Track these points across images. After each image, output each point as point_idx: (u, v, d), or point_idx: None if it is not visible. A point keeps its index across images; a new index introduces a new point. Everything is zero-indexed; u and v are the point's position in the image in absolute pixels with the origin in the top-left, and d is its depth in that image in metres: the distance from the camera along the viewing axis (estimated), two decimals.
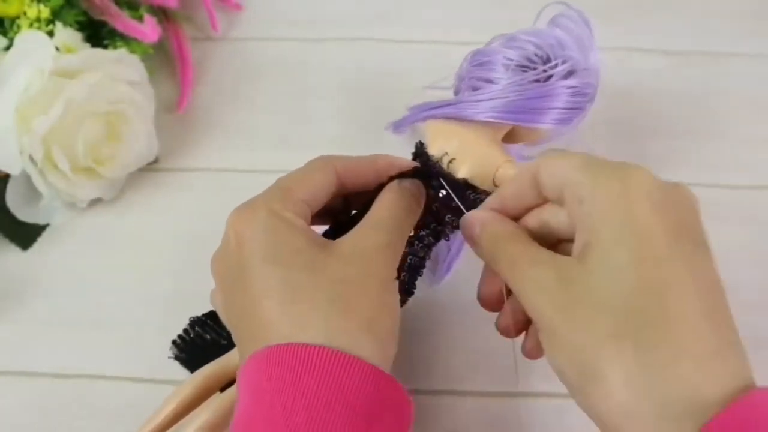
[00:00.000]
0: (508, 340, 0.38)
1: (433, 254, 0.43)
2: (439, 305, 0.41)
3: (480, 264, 0.43)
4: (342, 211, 0.35)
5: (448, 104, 0.38)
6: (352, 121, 0.49)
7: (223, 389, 0.34)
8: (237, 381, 0.29)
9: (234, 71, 0.53)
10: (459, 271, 0.42)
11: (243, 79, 0.52)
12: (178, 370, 0.39)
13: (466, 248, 0.43)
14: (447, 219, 0.36)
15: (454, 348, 0.40)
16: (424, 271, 0.41)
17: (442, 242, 0.42)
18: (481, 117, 0.36)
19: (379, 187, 0.33)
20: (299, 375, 0.25)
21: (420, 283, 0.41)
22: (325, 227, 0.36)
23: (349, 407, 0.25)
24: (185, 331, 0.40)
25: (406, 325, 0.40)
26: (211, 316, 0.40)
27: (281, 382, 0.25)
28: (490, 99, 0.37)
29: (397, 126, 0.44)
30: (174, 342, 0.39)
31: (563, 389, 0.38)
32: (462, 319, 0.41)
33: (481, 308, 0.41)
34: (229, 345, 0.36)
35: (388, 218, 0.31)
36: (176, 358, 0.39)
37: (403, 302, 0.34)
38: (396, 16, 0.55)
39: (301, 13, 0.56)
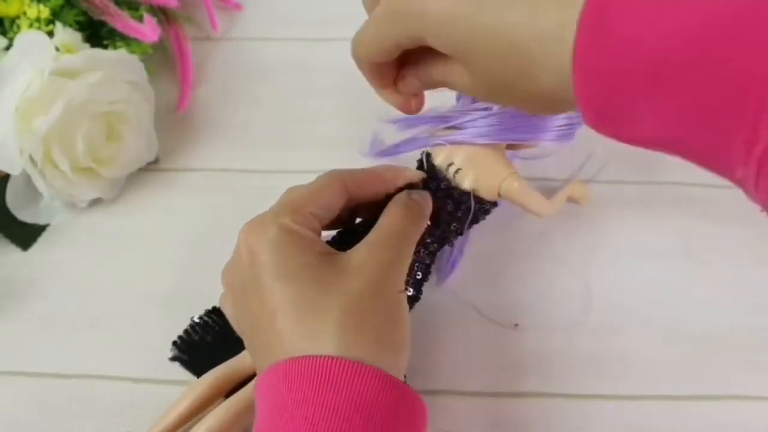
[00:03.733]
0: (508, 340, 0.38)
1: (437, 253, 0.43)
2: (438, 305, 0.41)
3: (479, 264, 0.43)
4: (348, 218, 0.36)
5: (444, 125, 0.38)
6: (352, 121, 0.49)
7: (227, 395, 0.34)
8: (255, 391, 0.29)
9: (234, 71, 0.53)
10: (459, 272, 0.42)
11: (243, 79, 0.52)
12: (179, 370, 0.39)
13: (469, 247, 0.43)
14: (452, 227, 0.36)
15: (454, 348, 0.40)
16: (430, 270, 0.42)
17: None
18: (480, 141, 0.36)
19: (388, 197, 0.34)
20: (318, 387, 0.26)
21: (431, 274, 0.41)
22: (332, 233, 0.36)
23: (367, 416, 0.26)
24: (186, 332, 0.40)
25: None
26: (212, 313, 0.40)
27: (301, 394, 0.26)
28: (486, 119, 0.37)
29: (390, 154, 0.43)
30: (174, 343, 0.39)
31: (563, 389, 0.38)
32: (462, 319, 0.41)
33: (481, 308, 0.41)
34: (230, 345, 0.36)
35: (396, 233, 0.32)
36: (176, 359, 0.39)
37: (409, 308, 0.34)
38: None
39: (301, 13, 0.56)
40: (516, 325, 0.41)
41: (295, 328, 0.28)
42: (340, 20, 0.55)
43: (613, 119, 0.25)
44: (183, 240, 0.44)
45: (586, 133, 0.48)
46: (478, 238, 0.44)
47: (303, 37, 0.54)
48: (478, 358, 0.40)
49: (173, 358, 0.39)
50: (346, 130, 0.48)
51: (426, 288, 0.41)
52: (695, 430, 0.37)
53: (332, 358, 0.27)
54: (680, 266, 0.43)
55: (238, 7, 0.56)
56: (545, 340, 0.40)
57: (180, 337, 0.40)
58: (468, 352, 0.40)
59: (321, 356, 0.27)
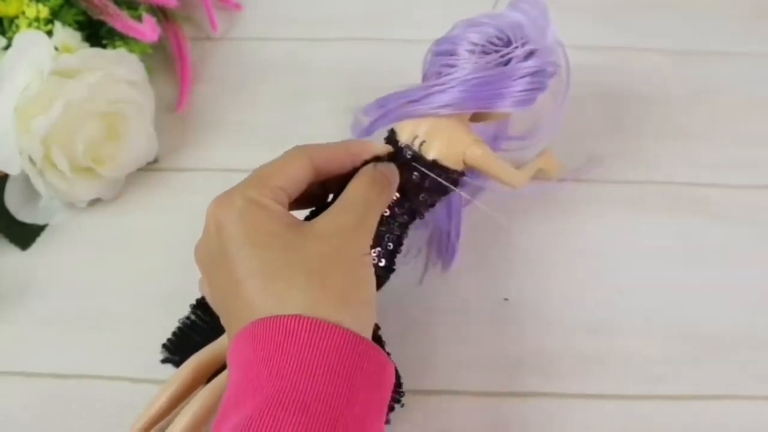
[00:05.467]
0: (507, 340, 0.38)
1: (434, 242, 0.43)
2: (438, 305, 0.41)
3: (478, 264, 0.43)
4: (321, 196, 0.36)
5: (409, 99, 0.39)
6: (351, 121, 0.49)
7: (208, 380, 0.34)
8: (227, 359, 0.30)
9: (233, 71, 0.53)
10: (458, 272, 0.42)
11: (243, 79, 0.52)
12: None
13: (468, 246, 0.43)
14: (420, 198, 0.37)
15: (454, 348, 0.40)
16: (433, 260, 0.43)
17: (442, 228, 0.43)
18: (443, 112, 0.37)
19: (356, 171, 0.34)
20: (282, 344, 0.27)
21: (431, 273, 0.41)
22: (306, 212, 0.37)
23: (331, 370, 0.27)
24: (174, 333, 0.40)
25: (405, 325, 0.40)
26: (197, 309, 0.40)
27: (266, 352, 0.27)
28: (450, 89, 0.37)
29: (367, 132, 0.44)
30: (164, 345, 0.39)
31: (563, 389, 0.38)
32: (461, 318, 0.41)
33: (480, 308, 0.41)
34: (218, 338, 0.36)
35: (359, 199, 0.33)
36: (168, 360, 0.39)
37: (384, 280, 0.35)
38: (396, 16, 0.55)
39: (301, 13, 0.56)
40: (505, 299, 0.41)
41: (261, 292, 0.29)
42: (340, 20, 0.55)
43: None
44: (183, 240, 0.44)
45: (583, 132, 0.48)
46: (478, 237, 0.44)
47: (303, 37, 0.54)
48: (478, 358, 0.40)
49: (165, 360, 0.39)
50: (346, 130, 0.48)
51: (425, 286, 0.41)
52: (695, 430, 0.37)
53: (296, 316, 0.27)
54: (680, 266, 0.43)
55: (237, 7, 0.56)
56: (545, 340, 0.40)
57: (169, 339, 0.40)
58: (468, 352, 0.40)
59: (285, 316, 0.28)
